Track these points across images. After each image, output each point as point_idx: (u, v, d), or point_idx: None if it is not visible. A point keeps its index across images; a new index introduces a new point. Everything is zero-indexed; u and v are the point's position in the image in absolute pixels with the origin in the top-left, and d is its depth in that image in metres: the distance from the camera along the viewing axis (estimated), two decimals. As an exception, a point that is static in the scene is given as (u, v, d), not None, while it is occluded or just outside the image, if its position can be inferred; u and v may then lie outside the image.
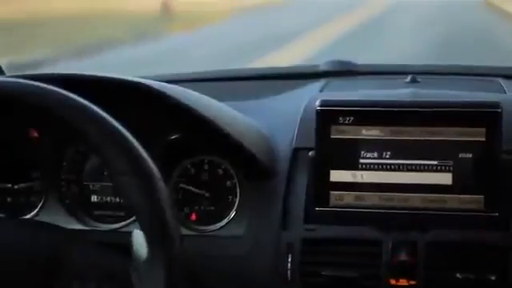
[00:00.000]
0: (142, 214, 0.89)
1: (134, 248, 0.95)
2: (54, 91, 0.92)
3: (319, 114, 1.17)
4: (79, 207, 1.33)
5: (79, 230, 1.28)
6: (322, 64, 1.60)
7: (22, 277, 0.95)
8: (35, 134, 1.32)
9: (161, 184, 0.89)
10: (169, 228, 0.89)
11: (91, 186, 1.34)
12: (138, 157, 0.90)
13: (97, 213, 1.33)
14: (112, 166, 0.90)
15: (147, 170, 0.89)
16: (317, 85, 1.45)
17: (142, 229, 0.89)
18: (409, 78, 1.40)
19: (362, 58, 1.80)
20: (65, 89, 0.93)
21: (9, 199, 1.35)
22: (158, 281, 0.88)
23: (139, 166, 0.89)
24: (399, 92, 1.29)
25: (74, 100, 0.91)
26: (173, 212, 0.90)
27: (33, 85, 0.92)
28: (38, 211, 1.32)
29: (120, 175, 0.89)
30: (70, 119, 0.90)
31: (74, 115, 0.90)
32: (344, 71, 1.56)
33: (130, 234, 1.00)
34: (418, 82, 1.38)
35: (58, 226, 1.12)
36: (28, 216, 1.32)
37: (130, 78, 1.18)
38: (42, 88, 0.91)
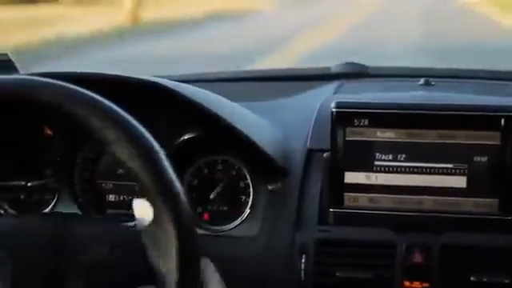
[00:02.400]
0: (142, 175, 0.88)
1: (137, 215, 0.94)
2: (65, 87, 0.92)
3: (335, 115, 1.17)
4: (92, 205, 1.33)
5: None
6: (334, 66, 1.60)
7: (35, 260, 0.95)
8: (49, 132, 1.32)
9: (160, 153, 0.89)
10: (171, 184, 0.88)
11: (104, 185, 1.34)
12: (128, 122, 0.89)
13: (110, 211, 1.33)
14: (107, 137, 0.89)
15: (140, 132, 0.89)
16: (330, 87, 1.45)
17: (147, 193, 0.89)
18: (422, 80, 1.40)
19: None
20: (80, 87, 0.94)
21: (22, 196, 1.35)
22: (170, 240, 0.87)
23: (131, 130, 0.89)
24: (413, 95, 1.29)
25: (83, 94, 0.92)
26: (175, 175, 0.89)
27: (41, 81, 0.92)
28: (51, 209, 1.33)
29: (118, 143, 0.89)
30: (78, 113, 0.91)
31: (84, 110, 0.91)
32: (357, 73, 1.56)
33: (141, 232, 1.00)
34: (432, 84, 1.38)
35: (58, 212, 1.12)
36: None
37: (146, 77, 1.18)
38: (51, 84, 0.92)
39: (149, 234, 0.91)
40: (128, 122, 0.90)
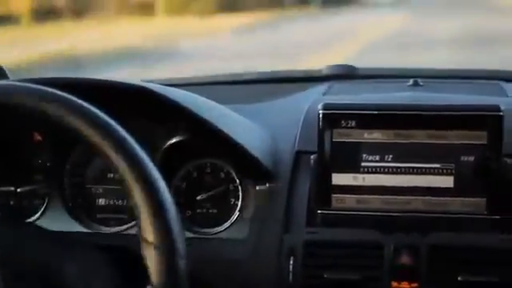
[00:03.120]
0: (143, 217, 0.88)
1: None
2: (49, 93, 0.92)
3: (322, 117, 1.17)
4: (82, 210, 1.33)
5: (80, 236, 1.28)
6: (324, 68, 1.60)
7: (23, 278, 0.96)
8: (38, 138, 1.33)
9: (162, 185, 0.89)
10: (173, 233, 0.88)
11: (94, 189, 1.34)
12: (141, 163, 0.89)
13: (100, 216, 1.33)
14: (114, 169, 0.90)
15: (149, 175, 0.89)
16: (319, 88, 1.45)
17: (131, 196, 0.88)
18: (411, 81, 1.40)
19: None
20: (66, 92, 0.94)
21: (12, 202, 1.35)
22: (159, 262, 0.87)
23: (141, 172, 0.89)
24: (401, 95, 1.29)
25: (71, 100, 0.92)
26: (177, 214, 0.90)
27: (25, 87, 0.92)
28: (41, 214, 1.33)
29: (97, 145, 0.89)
30: (64, 120, 0.91)
31: (70, 116, 0.91)
32: (346, 75, 1.57)
33: (132, 236, 1.00)
34: (421, 85, 1.39)
35: (58, 233, 1.12)
36: (31, 219, 1.33)
37: (132, 81, 1.19)
38: (31, 89, 0.92)
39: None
40: (109, 125, 0.90)
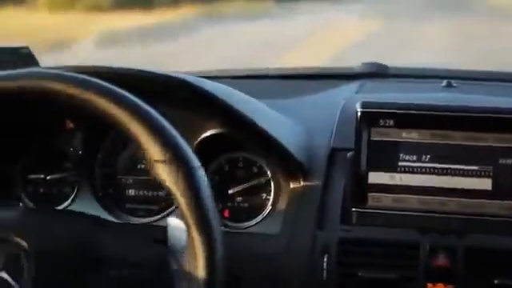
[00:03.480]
0: (181, 201, 0.89)
1: (170, 236, 0.95)
2: (93, 83, 0.92)
3: (360, 115, 1.17)
4: (112, 200, 1.33)
5: (115, 222, 1.28)
6: (356, 66, 1.59)
7: (59, 264, 0.95)
8: (71, 125, 1.32)
9: (200, 171, 0.90)
10: (209, 215, 0.89)
11: (124, 180, 1.34)
12: (177, 144, 0.90)
13: (129, 206, 1.33)
14: (150, 154, 0.90)
15: (186, 157, 0.90)
16: (352, 86, 1.44)
17: (182, 215, 0.89)
18: (444, 82, 1.39)
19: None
20: (106, 81, 0.94)
21: (41, 190, 1.35)
22: (199, 267, 0.88)
23: (178, 153, 0.90)
24: (436, 96, 1.28)
25: (112, 90, 0.92)
26: (213, 200, 0.90)
27: (62, 75, 0.92)
28: (70, 203, 1.32)
29: (159, 163, 0.89)
30: (107, 109, 0.91)
31: (113, 106, 0.91)
32: (378, 73, 1.56)
33: (162, 228, 1.00)
34: (454, 86, 1.38)
35: (94, 216, 1.12)
36: (60, 207, 1.32)
37: (172, 73, 1.18)
38: (76, 78, 0.92)
39: (178, 255, 0.92)
40: (176, 141, 0.91)
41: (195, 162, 0.91)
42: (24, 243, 0.95)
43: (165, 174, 0.90)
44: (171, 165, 0.90)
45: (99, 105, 0.92)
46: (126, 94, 0.93)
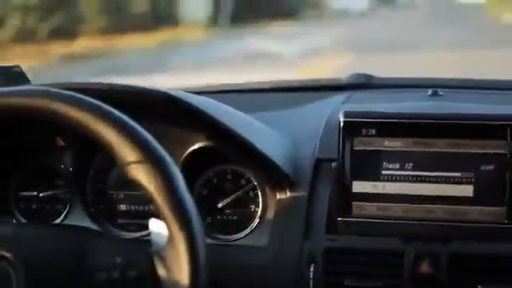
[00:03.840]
0: (158, 198, 0.90)
1: (152, 235, 0.97)
2: (77, 99, 0.94)
3: (342, 125, 1.18)
4: (103, 216, 1.35)
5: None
6: (344, 77, 1.61)
7: (48, 273, 0.97)
8: (61, 143, 1.34)
9: (173, 167, 0.92)
10: (187, 208, 0.90)
11: (115, 195, 1.35)
12: (148, 143, 0.92)
13: (121, 221, 1.35)
14: (123, 156, 0.92)
15: (157, 155, 0.92)
16: (339, 97, 1.46)
17: (160, 213, 0.91)
18: (430, 91, 1.41)
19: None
20: (91, 97, 0.96)
21: (34, 207, 1.37)
22: (183, 261, 0.90)
23: (149, 151, 0.91)
24: (421, 105, 1.30)
25: (80, 98, 0.94)
26: (189, 193, 0.92)
27: (53, 92, 0.94)
28: (63, 219, 1.34)
29: (134, 164, 0.91)
30: (77, 117, 0.93)
31: (82, 112, 0.93)
32: (366, 84, 1.58)
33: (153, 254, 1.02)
34: (440, 95, 1.39)
35: (82, 227, 1.14)
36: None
37: (157, 88, 1.20)
38: (54, 93, 0.94)
39: (161, 256, 0.93)
40: (148, 142, 0.92)
41: (168, 158, 0.93)
42: (12, 257, 0.96)
43: (139, 173, 0.91)
44: (145, 164, 0.91)
45: (70, 114, 0.94)
46: (96, 101, 0.95)
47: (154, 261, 0.94)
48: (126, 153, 0.92)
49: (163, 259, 0.93)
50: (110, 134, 0.93)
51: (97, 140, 0.94)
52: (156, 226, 0.96)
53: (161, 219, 0.93)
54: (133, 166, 0.92)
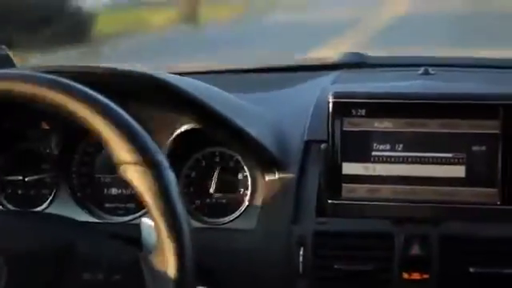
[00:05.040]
0: (150, 203, 0.89)
1: (143, 236, 0.95)
2: (52, 80, 0.92)
3: (332, 106, 1.16)
4: (90, 200, 1.33)
5: (90, 222, 1.28)
6: (334, 56, 1.59)
7: (32, 268, 0.95)
8: (46, 126, 1.32)
9: (168, 172, 0.89)
10: (178, 216, 0.89)
11: (102, 179, 1.33)
12: (144, 145, 0.90)
13: (108, 205, 1.33)
14: (117, 155, 0.90)
15: (154, 158, 0.89)
16: (329, 77, 1.43)
17: (151, 217, 0.89)
18: (421, 70, 1.38)
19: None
20: (74, 81, 0.93)
21: (20, 191, 1.35)
22: (169, 269, 0.88)
23: (146, 154, 0.89)
24: (412, 84, 1.27)
25: (79, 90, 0.91)
26: (182, 200, 0.90)
27: (30, 76, 0.92)
28: (49, 204, 1.32)
29: (127, 164, 0.89)
30: (72, 110, 0.91)
31: (77, 105, 0.91)
32: (356, 63, 1.55)
33: (139, 226, 1.00)
34: (432, 74, 1.37)
35: (68, 218, 1.12)
36: (39, 208, 1.32)
37: (141, 70, 1.18)
38: (40, 78, 0.92)
39: (148, 261, 0.92)
40: (143, 140, 0.90)
41: (163, 162, 0.91)
42: None
43: (132, 174, 0.90)
44: (139, 166, 0.89)
45: (64, 104, 0.92)
46: (91, 92, 0.93)
47: (141, 265, 0.93)
48: (120, 151, 0.90)
49: (150, 265, 0.91)
50: (103, 128, 0.91)
51: (87, 128, 0.92)
52: (147, 226, 0.95)
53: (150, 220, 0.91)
54: (126, 165, 0.89)
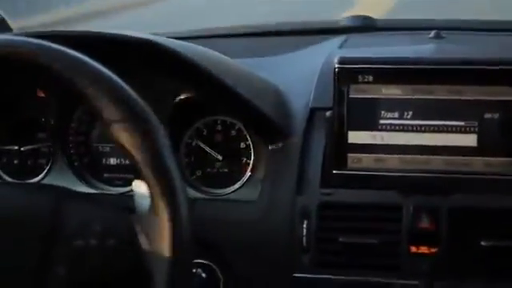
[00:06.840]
0: (141, 162, 0.84)
1: (136, 199, 0.91)
2: (46, 46, 0.87)
3: (337, 72, 1.11)
4: (88, 170, 1.29)
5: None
6: (341, 19, 1.53)
7: (19, 241, 0.91)
8: (42, 95, 1.28)
9: (158, 126, 0.85)
10: (171, 175, 0.84)
11: (100, 148, 1.29)
12: (133, 102, 0.85)
13: (106, 175, 1.29)
14: (106, 114, 0.85)
15: (143, 115, 0.85)
16: (336, 41, 1.37)
17: (143, 177, 0.85)
18: (432, 33, 1.32)
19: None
20: (70, 47, 0.89)
21: (16, 161, 1.31)
22: (165, 227, 0.84)
23: (132, 110, 0.85)
24: (422, 48, 1.22)
25: (65, 52, 0.87)
26: (174, 159, 0.85)
27: (23, 40, 0.87)
28: (46, 174, 1.29)
29: (115, 123, 0.84)
30: (61, 70, 0.86)
31: (65, 66, 0.86)
32: (365, 27, 1.49)
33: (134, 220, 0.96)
34: (443, 37, 1.31)
35: (58, 187, 1.08)
36: (35, 179, 1.29)
37: (139, 34, 1.12)
38: (30, 43, 0.87)
39: (143, 221, 0.87)
40: (130, 98, 0.85)
41: (154, 119, 0.86)
42: None
43: (122, 133, 0.85)
44: (128, 123, 0.85)
45: (54, 66, 0.87)
46: (76, 53, 0.88)
47: (135, 228, 0.88)
48: (106, 110, 0.85)
49: (145, 227, 0.87)
50: (87, 88, 0.86)
51: (75, 92, 0.87)
52: (139, 188, 0.90)
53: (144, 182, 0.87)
54: (114, 125, 0.85)
